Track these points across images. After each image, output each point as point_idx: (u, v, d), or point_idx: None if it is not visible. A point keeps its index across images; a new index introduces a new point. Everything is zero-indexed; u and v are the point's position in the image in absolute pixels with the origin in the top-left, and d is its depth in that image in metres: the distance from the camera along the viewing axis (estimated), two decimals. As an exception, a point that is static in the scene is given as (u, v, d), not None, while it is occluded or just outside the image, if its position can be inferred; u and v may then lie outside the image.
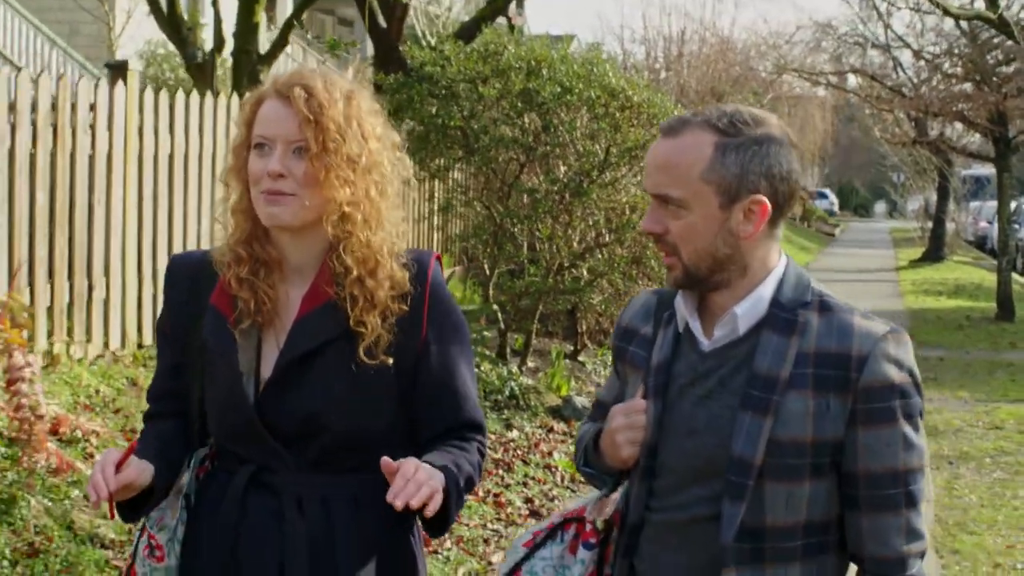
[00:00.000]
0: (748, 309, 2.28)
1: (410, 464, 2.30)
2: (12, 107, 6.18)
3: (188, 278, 2.55)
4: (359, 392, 2.44)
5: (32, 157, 6.36)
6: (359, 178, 2.42)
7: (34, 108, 6.34)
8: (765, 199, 2.23)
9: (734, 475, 2.23)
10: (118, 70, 7.20)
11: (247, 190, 2.44)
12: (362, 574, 2.47)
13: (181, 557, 2.52)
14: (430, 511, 2.29)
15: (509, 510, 6.95)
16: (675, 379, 2.34)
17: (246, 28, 10.54)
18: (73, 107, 6.61)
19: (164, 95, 7.40)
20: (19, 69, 8.46)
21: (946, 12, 7.15)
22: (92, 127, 6.79)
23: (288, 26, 10.90)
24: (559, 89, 9.23)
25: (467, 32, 13.30)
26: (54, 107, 6.49)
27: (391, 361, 2.45)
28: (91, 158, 6.83)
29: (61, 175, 6.60)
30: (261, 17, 10.62)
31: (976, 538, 7.06)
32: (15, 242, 6.29)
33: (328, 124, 2.38)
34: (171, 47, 20.77)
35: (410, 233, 12.27)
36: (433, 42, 18.21)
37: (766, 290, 2.29)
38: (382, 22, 12.93)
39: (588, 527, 2.47)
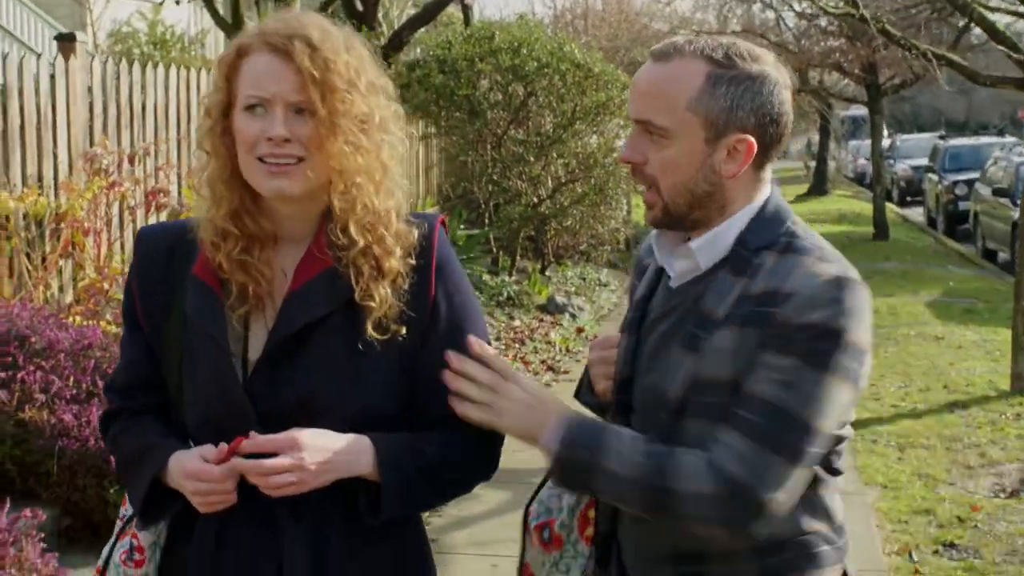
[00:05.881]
0: (703, 244, 2.14)
1: (303, 438, 2.05)
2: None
3: (164, 252, 2.23)
4: (364, 371, 2.13)
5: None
6: (370, 140, 2.12)
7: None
8: (751, 138, 2.08)
9: (664, 413, 2.11)
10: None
11: (230, 157, 2.13)
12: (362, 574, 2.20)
13: (160, 570, 2.23)
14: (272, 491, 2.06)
15: (532, 366, 9.91)
16: (649, 315, 2.23)
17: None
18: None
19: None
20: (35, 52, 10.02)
21: (822, 10, 9.70)
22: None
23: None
24: (536, 64, 12.09)
25: (427, 15, 15.84)
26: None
27: (404, 330, 2.15)
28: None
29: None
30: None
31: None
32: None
33: (336, 82, 2.06)
34: (136, 26, 22.93)
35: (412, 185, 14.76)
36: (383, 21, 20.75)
37: (732, 228, 2.13)
38: (359, 5, 15.43)
39: None
